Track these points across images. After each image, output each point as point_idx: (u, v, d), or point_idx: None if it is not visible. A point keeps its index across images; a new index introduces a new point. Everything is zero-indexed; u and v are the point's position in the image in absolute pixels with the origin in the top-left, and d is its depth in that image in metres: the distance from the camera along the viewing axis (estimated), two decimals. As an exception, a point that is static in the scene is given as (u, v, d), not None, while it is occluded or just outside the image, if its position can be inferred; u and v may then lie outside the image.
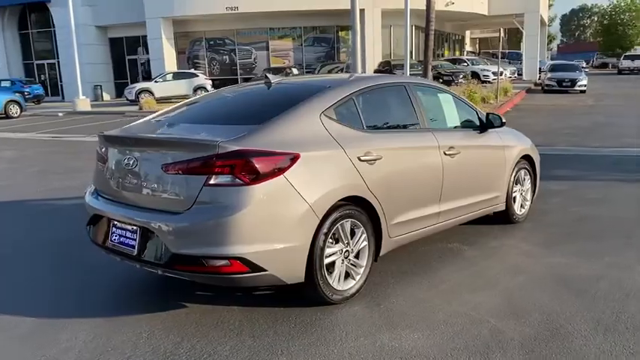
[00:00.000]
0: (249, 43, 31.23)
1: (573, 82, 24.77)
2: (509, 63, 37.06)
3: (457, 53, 42.61)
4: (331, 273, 3.51)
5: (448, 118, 4.82)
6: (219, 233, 3.07)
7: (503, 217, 5.33)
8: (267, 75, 4.27)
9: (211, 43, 31.44)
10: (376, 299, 3.69)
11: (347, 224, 3.56)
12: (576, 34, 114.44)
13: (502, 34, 54.13)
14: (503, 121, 4.98)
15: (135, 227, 3.37)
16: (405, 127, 4.34)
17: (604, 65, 53.88)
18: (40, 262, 4.72)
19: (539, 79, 32.54)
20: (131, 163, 3.46)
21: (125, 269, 4.35)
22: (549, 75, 25.87)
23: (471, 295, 3.75)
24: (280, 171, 3.20)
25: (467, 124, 4.93)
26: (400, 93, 4.36)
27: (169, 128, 3.92)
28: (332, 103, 3.74)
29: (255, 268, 3.12)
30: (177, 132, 3.74)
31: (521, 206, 5.54)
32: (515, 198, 5.39)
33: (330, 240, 3.47)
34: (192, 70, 28.51)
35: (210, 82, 27.07)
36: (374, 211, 3.73)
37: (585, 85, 24.59)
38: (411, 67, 23.56)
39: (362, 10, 28.66)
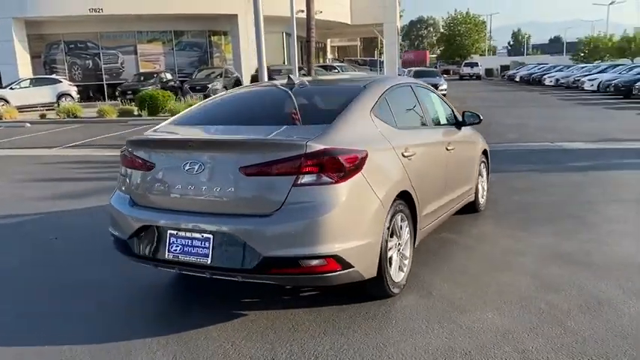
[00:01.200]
0: (115, 46, 29.44)
1: (435, 86, 27.10)
2: (370, 70, 39.35)
3: (321, 60, 44.16)
4: (391, 266, 3.66)
5: (440, 116, 5.20)
6: (315, 232, 3.07)
7: (470, 207, 5.84)
8: (290, 76, 4.27)
9: (71, 46, 29.08)
10: (423, 289, 3.89)
11: (398, 218, 3.73)
12: (415, 43, 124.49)
13: (360, 43, 57.42)
14: (481, 118, 5.47)
15: (207, 235, 3.21)
16: (422, 124, 4.62)
17: (446, 72, 59.39)
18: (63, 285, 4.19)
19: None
20: (196, 168, 3.28)
21: (148, 286, 4.09)
22: (414, 80, 28.03)
23: (500, 275, 4.12)
24: (358, 169, 3.28)
25: (449, 122, 5.35)
26: (410, 93, 4.63)
27: (226, 131, 3.74)
28: (374, 101, 3.89)
29: (345, 265, 3.17)
30: (243, 134, 3.59)
31: (482, 196, 6.12)
32: (478, 189, 5.94)
33: (390, 234, 3.61)
34: (54, 76, 26.13)
35: (75, 88, 25.07)
36: (413, 204, 3.94)
37: (445, 90, 27.04)
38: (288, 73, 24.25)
39: (235, 16, 28.71)
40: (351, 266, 3.20)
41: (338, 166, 3.15)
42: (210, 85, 24.23)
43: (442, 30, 64.51)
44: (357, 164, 3.27)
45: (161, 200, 3.46)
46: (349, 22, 37.85)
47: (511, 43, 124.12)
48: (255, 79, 27.35)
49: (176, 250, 3.30)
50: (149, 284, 4.15)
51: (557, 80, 35.08)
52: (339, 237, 3.13)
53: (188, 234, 3.28)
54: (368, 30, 41.84)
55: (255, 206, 3.16)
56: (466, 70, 52.70)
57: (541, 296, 3.71)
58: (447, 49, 62.54)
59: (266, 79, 19.16)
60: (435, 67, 47.72)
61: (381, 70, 38.68)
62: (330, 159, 3.14)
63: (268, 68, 27.57)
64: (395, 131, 3.94)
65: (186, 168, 3.31)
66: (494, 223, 5.60)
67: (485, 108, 19.20)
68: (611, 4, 57.30)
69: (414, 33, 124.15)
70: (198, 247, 3.24)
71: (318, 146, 3.14)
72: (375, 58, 49.59)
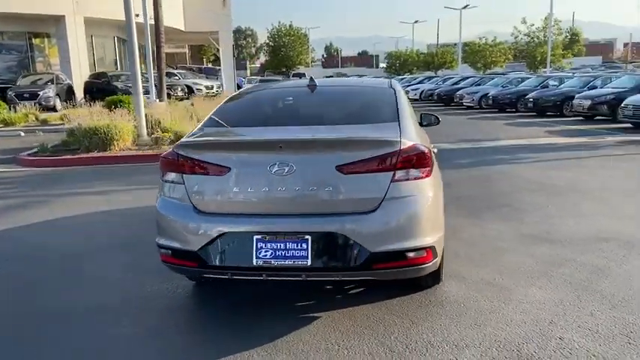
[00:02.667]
0: None
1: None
2: (207, 77, 38.81)
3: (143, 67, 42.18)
4: None
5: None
6: (418, 225, 3.19)
7: None
8: (312, 78, 4.29)
9: None
10: (452, 277, 4.20)
11: None
12: (235, 53, 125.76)
13: (188, 50, 55.98)
14: (439, 119, 5.97)
15: (305, 236, 3.12)
16: (420, 123, 4.92)
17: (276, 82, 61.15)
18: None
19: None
20: (286, 169, 3.17)
21: (191, 303, 3.78)
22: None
23: (503, 257, 4.62)
24: (433, 163, 3.49)
25: (415, 123, 5.76)
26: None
27: (308, 130, 3.57)
28: (408, 101, 4.12)
29: (435, 255, 3.33)
30: (328, 133, 3.51)
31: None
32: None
33: None
34: None
35: None
36: None
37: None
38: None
39: (62, 17, 26.17)
40: (437, 256, 3.38)
41: (426, 162, 3.31)
42: (41, 93, 21.78)
43: (267, 41, 66.02)
44: (433, 159, 3.48)
45: (240, 205, 3.26)
46: (183, 29, 36.89)
47: (324, 55, 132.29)
48: (90, 85, 25.30)
49: (266, 255, 3.14)
50: (190, 300, 3.82)
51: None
52: (433, 229, 3.29)
53: (280, 237, 3.15)
54: (201, 37, 41.16)
55: (356, 204, 3.17)
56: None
57: (556, 270, 4.28)
58: (274, 59, 64.28)
59: (164, 87, 18.05)
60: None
61: (218, 78, 38.39)
62: (420, 154, 3.28)
63: (106, 74, 25.81)
64: (421, 129, 4.21)
65: (275, 169, 3.18)
66: (450, 215, 6.15)
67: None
68: (415, 22, 64.55)
69: (233, 43, 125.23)
70: (294, 249, 3.13)
71: (409, 142, 3.27)
72: (210, 66, 49.10)
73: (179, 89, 26.80)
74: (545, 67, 36.98)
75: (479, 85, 27.02)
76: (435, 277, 3.81)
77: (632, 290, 3.80)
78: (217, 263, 3.23)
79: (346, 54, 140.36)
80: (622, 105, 15.04)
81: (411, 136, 3.45)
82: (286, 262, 3.13)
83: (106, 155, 10.68)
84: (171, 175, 3.45)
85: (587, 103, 17.32)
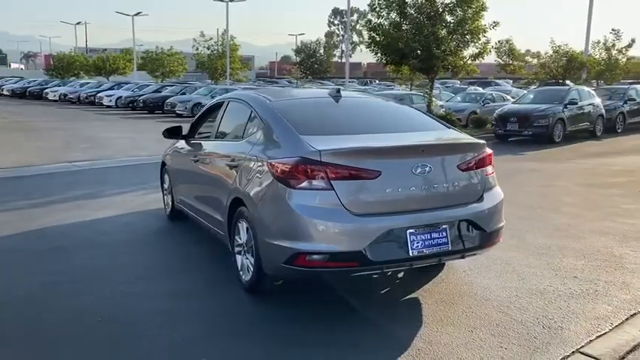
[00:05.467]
0: None
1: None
2: None
3: None
4: None
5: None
6: (502, 209, 4.13)
7: None
8: (340, 89, 4.67)
9: None
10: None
11: None
12: None
13: None
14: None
15: (444, 226, 3.72)
16: None
17: None
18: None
19: None
20: (426, 169, 3.70)
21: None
22: None
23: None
24: None
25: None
26: None
27: (397, 137, 4.07)
28: None
29: None
30: (425, 138, 4.03)
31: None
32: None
33: None
34: None
35: None
36: None
37: None
38: None
39: None
40: None
41: (492, 160, 4.27)
42: None
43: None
44: None
45: (392, 204, 3.62)
46: None
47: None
48: None
49: (418, 246, 3.62)
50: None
51: (65, 95, 35.09)
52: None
53: (427, 229, 3.66)
54: None
55: (471, 195, 3.93)
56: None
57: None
58: None
59: None
60: None
61: None
62: (491, 154, 4.22)
63: None
64: None
65: (418, 171, 3.67)
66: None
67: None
68: (77, 24, 60.16)
69: None
70: (437, 238, 3.69)
71: (485, 144, 4.19)
72: None
73: None
74: (225, 79, 40.02)
75: (184, 93, 27.72)
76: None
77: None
78: (378, 259, 3.53)
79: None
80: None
81: None
82: (433, 250, 3.68)
83: None
84: (315, 183, 3.52)
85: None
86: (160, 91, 29.55)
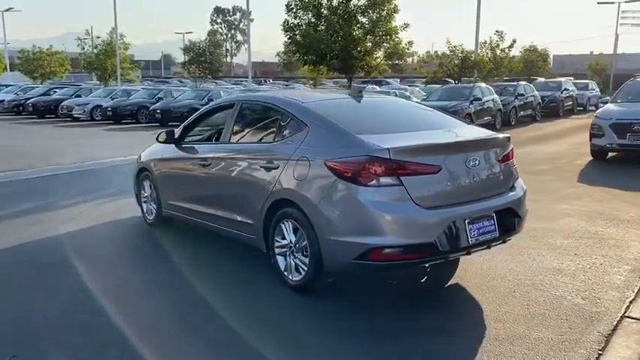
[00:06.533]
0: None
1: None
2: None
3: None
4: None
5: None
6: (526, 196, 4.53)
7: None
8: (361, 90, 4.80)
9: None
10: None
11: None
12: None
13: None
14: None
15: (491, 214, 4.03)
16: None
17: None
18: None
19: None
20: (476, 163, 4.00)
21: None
22: None
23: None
24: None
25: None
26: None
27: (442, 133, 4.39)
28: None
29: None
30: (465, 133, 4.31)
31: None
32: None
33: None
34: None
35: None
36: None
37: None
38: None
39: None
40: None
41: (514, 152, 4.64)
42: None
43: None
44: None
45: (452, 196, 3.89)
46: None
47: None
48: None
49: (474, 234, 3.91)
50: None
51: None
52: None
53: (480, 218, 3.96)
54: None
55: (506, 184, 4.31)
56: None
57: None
58: None
59: None
60: None
61: None
62: (513, 147, 4.59)
63: None
64: None
65: (470, 164, 3.96)
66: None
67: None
68: None
69: None
70: (488, 225, 4.00)
71: None
72: None
73: None
74: (115, 80, 37.84)
75: (79, 96, 25.99)
76: None
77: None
78: (445, 249, 3.77)
79: None
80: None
81: None
82: (486, 237, 3.99)
83: None
84: (385, 179, 3.67)
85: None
86: (50, 94, 27.37)
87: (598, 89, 31.00)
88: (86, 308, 4.00)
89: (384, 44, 17.45)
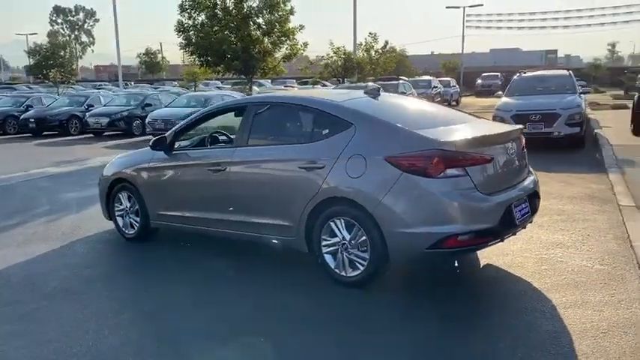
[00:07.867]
0: None
1: None
2: None
3: None
4: None
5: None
6: None
7: None
8: (379, 89, 4.94)
9: None
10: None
11: None
12: None
13: None
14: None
15: (525, 197, 4.45)
16: None
17: None
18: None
19: None
20: (513, 151, 4.44)
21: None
22: None
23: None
24: None
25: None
26: None
27: (473, 127, 4.66)
28: None
29: None
30: (492, 127, 4.60)
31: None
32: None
33: None
34: None
35: None
36: None
37: None
38: None
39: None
40: None
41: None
42: None
43: None
44: None
45: (502, 182, 4.27)
46: None
47: None
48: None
49: (519, 217, 4.30)
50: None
51: None
52: None
53: (520, 200, 4.36)
54: None
55: (527, 169, 4.80)
56: None
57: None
58: None
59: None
60: None
61: None
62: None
63: None
64: None
65: (510, 152, 4.37)
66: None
67: None
68: None
69: None
70: (525, 207, 4.43)
71: None
72: None
73: None
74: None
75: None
76: None
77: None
78: (502, 232, 4.13)
79: None
80: (148, 120, 17.14)
81: None
82: (525, 217, 4.42)
83: None
84: (453, 171, 3.92)
85: (105, 120, 18.52)
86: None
87: (458, 86, 34.10)
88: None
89: (282, 45, 17.61)
